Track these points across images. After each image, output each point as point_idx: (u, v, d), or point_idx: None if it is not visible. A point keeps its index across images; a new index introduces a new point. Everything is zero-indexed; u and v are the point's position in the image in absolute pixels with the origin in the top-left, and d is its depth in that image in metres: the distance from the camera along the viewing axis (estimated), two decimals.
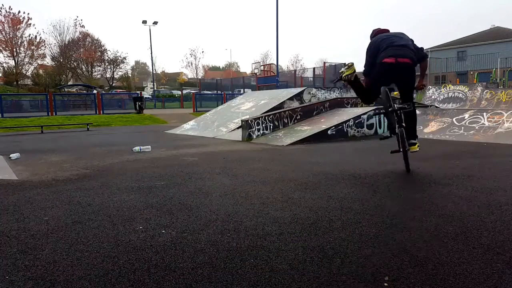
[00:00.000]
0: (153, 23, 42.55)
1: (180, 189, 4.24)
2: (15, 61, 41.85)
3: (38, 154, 7.65)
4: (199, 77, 62.02)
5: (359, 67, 5.42)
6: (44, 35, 65.25)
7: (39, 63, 45.91)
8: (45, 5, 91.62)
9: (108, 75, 53.51)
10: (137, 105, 21.17)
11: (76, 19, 62.85)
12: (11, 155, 7.04)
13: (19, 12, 41.84)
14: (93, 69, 52.40)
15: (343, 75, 4.88)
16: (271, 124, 9.99)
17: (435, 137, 9.02)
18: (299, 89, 13.36)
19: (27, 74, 44.59)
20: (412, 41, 4.75)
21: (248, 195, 3.92)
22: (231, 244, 2.61)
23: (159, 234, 2.83)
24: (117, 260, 2.38)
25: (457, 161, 5.78)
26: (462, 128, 9.06)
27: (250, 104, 13.22)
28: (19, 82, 42.63)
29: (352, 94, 15.24)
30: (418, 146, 4.82)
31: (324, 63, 23.48)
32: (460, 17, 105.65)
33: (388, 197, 3.76)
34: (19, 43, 41.81)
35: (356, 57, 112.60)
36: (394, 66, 4.42)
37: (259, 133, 9.69)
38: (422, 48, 4.73)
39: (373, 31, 5.06)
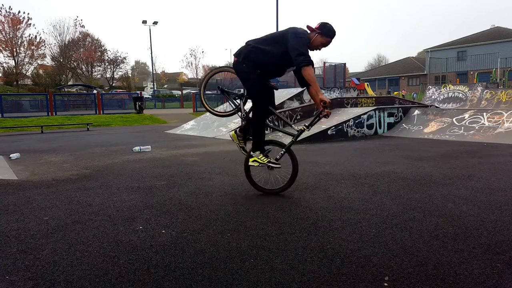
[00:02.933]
0: (153, 23, 42.60)
1: (180, 189, 4.24)
2: (15, 61, 41.83)
3: (38, 154, 7.65)
4: (199, 77, 62.00)
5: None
6: (44, 35, 65.27)
7: (39, 63, 45.88)
8: (45, 5, 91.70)
9: (108, 75, 53.49)
10: (137, 105, 21.14)
11: (76, 19, 62.97)
12: (11, 155, 7.04)
13: (19, 12, 41.89)
14: (93, 69, 52.38)
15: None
16: (271, 124, 9.97)
17: (435, 137, 9.02)
18: (299, 89, 13.34)
19: (27, 74, 44.55)
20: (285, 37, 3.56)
21: (248, 195, 3.92)
22: (231, 244, 2.61)
23: (159, 234, 2.83)
24: (117, 260, 2.38)
25: (457, 161, 5.78)
26: (462, 128, 9.06)
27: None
28: (19, 82, 42.59)
29: (352, 94, 15.24)
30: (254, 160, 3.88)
31: (324, 63, 23.45)
32: (460, 17, 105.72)
33: (388, 197, 3.76)
34: (19, 43, 41.78)
35: (355, 56, 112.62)
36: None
37: None
38: (297, 51, 3.43)
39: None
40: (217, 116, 4.41)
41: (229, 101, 4.25)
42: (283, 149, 3.90)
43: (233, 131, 4.21)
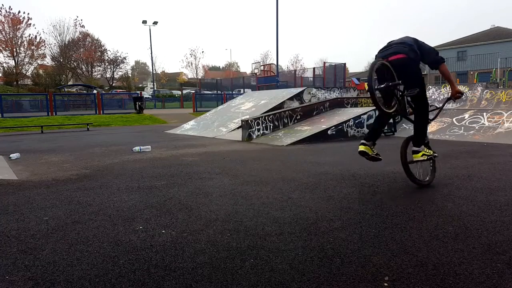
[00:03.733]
0: (153, 23, 42.57)
1: (180, 189, 4.24)
2: (15, 61, 41.82)
3: (38, 154, 7.65)
4: (199, 77, 61.94)
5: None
6: (44, 35, 65.10)
7: (39, 63, 45.86)
8: (45, 5, 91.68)
9: (108, 75, 53.48)
10: (137, 105, 21.16)
11: (76, 19, 62.89)
12: (11, 155, 7.04)
13: (19, 12, 41.82)
14: (93, 69, 52.37)
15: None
16: (271, 124, 9.98)
17: (435, 137, 9.02)
18: (299, 89, 13.36)
19: (27, 74, 44.54)
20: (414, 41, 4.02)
21: (248, 195, 3.92)
22: (231, 244, 2.61)
23: (159, 234, 2.83)
24: (117, 260, 2.38)
25: (457, 161, 5.78)
26: (462, 128, 9.06)
27: (250, 104, 13.22)
28: (19, 82, 42.59)
29: (352, 94, 15.25)
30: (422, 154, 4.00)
31: (324, 63, 23.50)
32: (460, 17, 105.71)
33: (388, 197, 3.76)
34: (19, 43, 41.75)
35: (355, 56, 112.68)
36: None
37: (259, 133, 9.69)
38: (435, 51, 3.99)
39: None
40: (384, 113, 3.98)
41: (394, 98, 3.91)
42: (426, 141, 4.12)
43: (361, 145, 4.08)
